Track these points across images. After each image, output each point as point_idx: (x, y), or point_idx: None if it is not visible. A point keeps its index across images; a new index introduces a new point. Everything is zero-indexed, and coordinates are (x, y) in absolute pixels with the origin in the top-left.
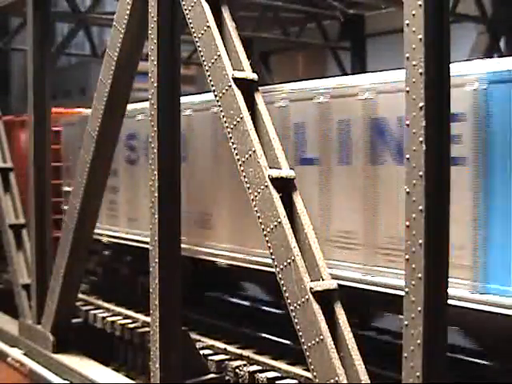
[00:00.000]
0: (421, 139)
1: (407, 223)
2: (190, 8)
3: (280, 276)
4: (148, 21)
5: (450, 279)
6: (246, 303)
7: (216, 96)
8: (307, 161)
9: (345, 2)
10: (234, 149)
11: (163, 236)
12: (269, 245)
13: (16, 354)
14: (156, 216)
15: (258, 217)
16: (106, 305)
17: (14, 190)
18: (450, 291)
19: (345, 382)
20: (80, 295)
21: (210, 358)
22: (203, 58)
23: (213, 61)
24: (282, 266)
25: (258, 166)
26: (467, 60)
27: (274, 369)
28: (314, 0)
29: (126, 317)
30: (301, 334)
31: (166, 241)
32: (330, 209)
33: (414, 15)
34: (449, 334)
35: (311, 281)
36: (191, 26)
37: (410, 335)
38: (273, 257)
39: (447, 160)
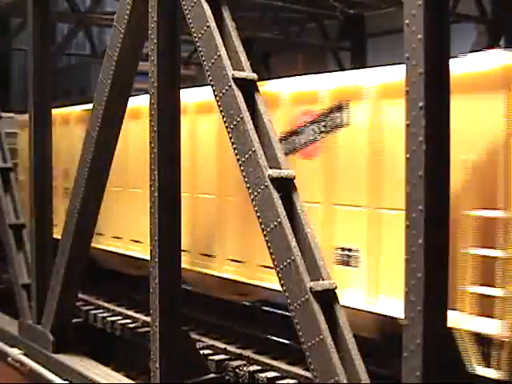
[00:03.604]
0: (421, 139)
1: (407, 223)
2: (189, 8)
3: (280, 276)
4: (148, 21)
5: None
6: None
7: (216, 96)
8: None
9: (345, 1)
10: (234, 149)
11: (163, 236)
12: (269, 245)
13: (16, 353)
14: (156, 216)
15: (258, 217)
16: None
17: (14, 189)
18: None
19: (345, 381)
20: None
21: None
22: (203, 58)
23: (213, 61)
24: (282, 266)
25: (258, 165)
26: None
27: (273, 369)
28: (313, 0)
29: None
30: (301, 333)
31: (165, 241)
32: None
33: (413, 15)
34: None
35: (311, 281)
36: (191, 26)
37: (409, 335)
38: (273, 257)
39: (447, 160)
